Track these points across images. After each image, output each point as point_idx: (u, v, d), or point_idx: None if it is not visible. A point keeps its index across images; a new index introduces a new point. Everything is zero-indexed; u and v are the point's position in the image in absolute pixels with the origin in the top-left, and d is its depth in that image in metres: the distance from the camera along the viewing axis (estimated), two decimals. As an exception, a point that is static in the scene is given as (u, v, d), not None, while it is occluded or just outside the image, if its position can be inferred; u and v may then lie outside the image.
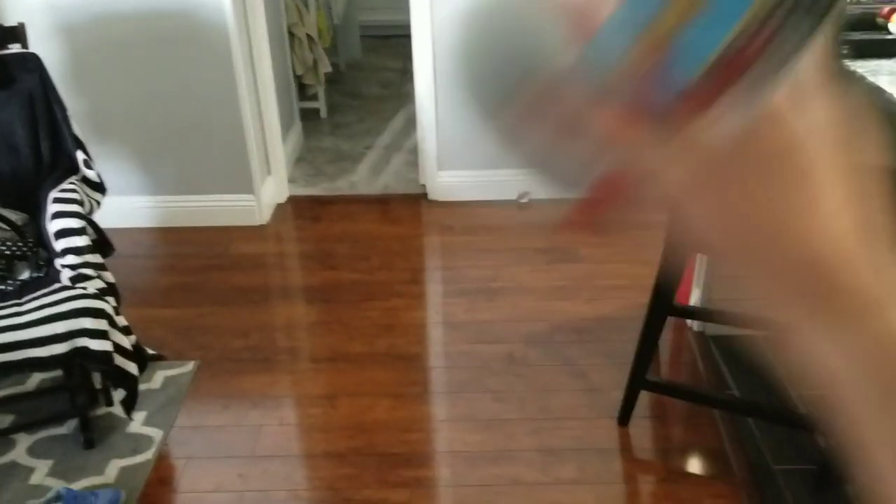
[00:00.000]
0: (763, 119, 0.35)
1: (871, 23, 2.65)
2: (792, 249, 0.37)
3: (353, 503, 2.23)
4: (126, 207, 3.71)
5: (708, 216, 0.39)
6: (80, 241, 2.46)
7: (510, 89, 0.38)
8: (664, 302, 2.32)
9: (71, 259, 2.42)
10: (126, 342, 2.42)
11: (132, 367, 2.41)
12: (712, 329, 2.89)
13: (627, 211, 0.39)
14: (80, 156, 2.63)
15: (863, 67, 2.52)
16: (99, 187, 2.69)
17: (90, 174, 2.64)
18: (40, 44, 3.25)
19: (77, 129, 2.66)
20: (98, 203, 2.69)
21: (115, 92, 3.57)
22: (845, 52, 2.59)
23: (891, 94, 2.40)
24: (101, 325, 2.30)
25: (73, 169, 2.63)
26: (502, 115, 0.38)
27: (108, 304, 2.37)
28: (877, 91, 2.44)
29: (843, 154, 0.37)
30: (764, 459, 2.33)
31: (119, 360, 2.36)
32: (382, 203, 4.01)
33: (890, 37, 2.61)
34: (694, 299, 2.91)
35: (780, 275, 0.38)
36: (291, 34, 4.61)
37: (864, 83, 2.43)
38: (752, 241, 0.38)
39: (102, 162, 3.66)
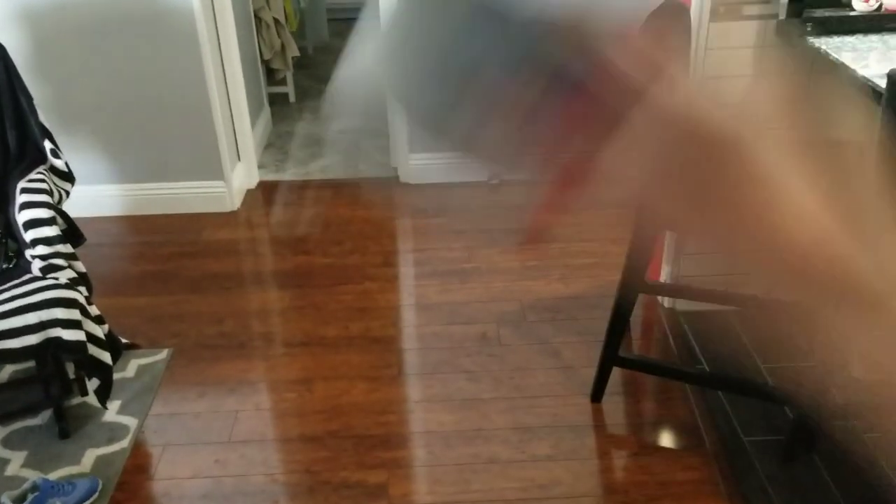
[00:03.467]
0: (705, 124, 0.36)
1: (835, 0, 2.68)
2: (776, 250, 0.37)
3: (330, 486, 2.25)
4: (96, 196, 3.69)
5: (674, 212, 0.39)
6: (50, 231, 2.44)
7: (455, 94, 0.37)
8: (635, 279, 2.34)
9: (41, 249, 2.41)
10: (99, 331, 2.41)
11: (105, 357, 2.40)
12: (682, 305, 2.93)
13: (592, 197, 0.40)
14: (47, 145, 2.61)
15: (826, 44, 2.55)
16: (67, 176, 2.67)
17: (58, 163, 2.62)
18: (4, 33, 3.23)
19: (43, 118, 2.64)
20: (67, 193, 2.68)
21: (82, 80, 3.53)
22: (809, 29, 2.63)
23: (854, 70, 2.44)
24: (74, 314, 2.29)
25: (41, 159, 2.60)
26: (455, 121, 0.38)
27: (79, 294, 2.36)
28: (841, 67, 2.47)
29: (800, 151, 0.37)
30: (734, 432, 2.37)
31: (92, 350, 2.35)
32: (354, 187, 4.01)
33: (853, 13, 2.63)
34: (664, 276, 2.95)
35: (775, 269, 0.38)
36: (258, 19, 4.59)
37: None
38: (735, 241, 0.38)
39: (70, 151, 3.63)
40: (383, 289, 3.15)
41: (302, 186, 4.03)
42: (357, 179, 4.09)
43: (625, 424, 2.46)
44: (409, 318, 2.98)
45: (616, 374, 2.62)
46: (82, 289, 2.42)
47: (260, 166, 4.20)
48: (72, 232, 2.60)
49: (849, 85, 2.41)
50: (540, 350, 2.76)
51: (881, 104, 2.14)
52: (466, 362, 2.71)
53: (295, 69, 5.22)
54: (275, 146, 4.50)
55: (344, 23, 6.60)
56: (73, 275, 2.44)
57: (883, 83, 2.26)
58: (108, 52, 3.48)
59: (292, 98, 5.16)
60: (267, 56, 4.72)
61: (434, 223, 3.64)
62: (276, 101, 5.07)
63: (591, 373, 2.63)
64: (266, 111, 4.69)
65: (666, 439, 2.39)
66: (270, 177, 4.14)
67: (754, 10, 2.58)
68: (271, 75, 5.02)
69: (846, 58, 2.47)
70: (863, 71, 2.43)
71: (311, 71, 5.68)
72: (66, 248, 2.49)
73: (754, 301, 2.70)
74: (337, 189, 3.98)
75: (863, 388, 2.56)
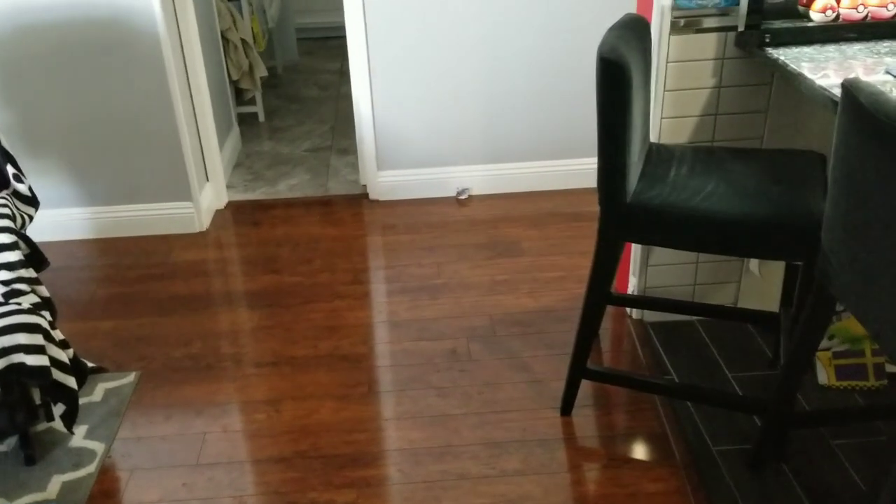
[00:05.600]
0: None
1: (792, 11, 2.72)
2: None
3: (300, 506, 2.23)
4: (62, 220, 3.66)
5: None
6: (12, 256, 2.42)
7: None
8: (600, 291, 2.35)
9: (3, 275, 2.38)
10: (63, 356, 2.39)
11: (71, 381, 2.38)
12: (651, 316, 2.94)
13: None
14: (10, 170, 2.59)
15: (785, 55, 2.59)
16: (31, 201, 2.65)
17: (21, 188, 2.60)
18: (-35, 57, 3.20)
19: (7, 143, 2.62)
20: (30, 217, 2.65)
21: (46, 103, 3.51)
22: (768, 40, 2.66)
23: (811, 81, 2.47)
24: (37, 339, 2.27)
25: (3, 183, 2.58)
26: None
27: (43, 319, 2.34)
28: (800, 77, 2.50)
29: None
30: (703, 441, 2.38)
31: (57, 375, 2.33)
32: (323, 205, 4.01)
33: (811, 24, 2.67)
34: (631, 287, 2.96)
35: None
36: (225, 39, 4.58)
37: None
38: None
39: (35, 175, 3.61)
40: (353, 307, 3.15)
41: (271, 205, 4.02)
42: (326, 197, 4.08)
43: (594, 437, 2.46)
44: (378, 336, 2.97)
45: (586, 386, 2.63)
46: (46, 313, 2.40)
47: (229, 186, 4.19)
48: (35, 256, 2.58)
49: (809, 95, 2.44)
50: (510, 364, 2.76)
51: (837, 113, 2.16)
52: (436, 378, 2.71)
53: (264, 88, 5.22)
54: (244, 165, 4.49)
55: (314, 42, 6.62)
56: (37, 299, 2.42)
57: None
58: (72, 75, 3.46)
59: (261, 117, 5.15)
60: (235, 76, 4.71)
61: (404, 240, 3.64)
62: (246, 121, 5.07)
63: (560, 386, 2.64)
64: (235, 131, 4.68)
65: (635, 451, 2.39)
66: (239, 196, 4.13)
67: (713, 22, 2.62)
68: (240, 95, 5.02)
69: (804, 68, 2.50)
70: (821, 81, 2.46)
71: (280, 90, 5.68)
72: (29, 272, 2.46)
73: (721, 311, 2.72)
74: (306, 207, 3.98)
75: (829, 395, 2.58)
